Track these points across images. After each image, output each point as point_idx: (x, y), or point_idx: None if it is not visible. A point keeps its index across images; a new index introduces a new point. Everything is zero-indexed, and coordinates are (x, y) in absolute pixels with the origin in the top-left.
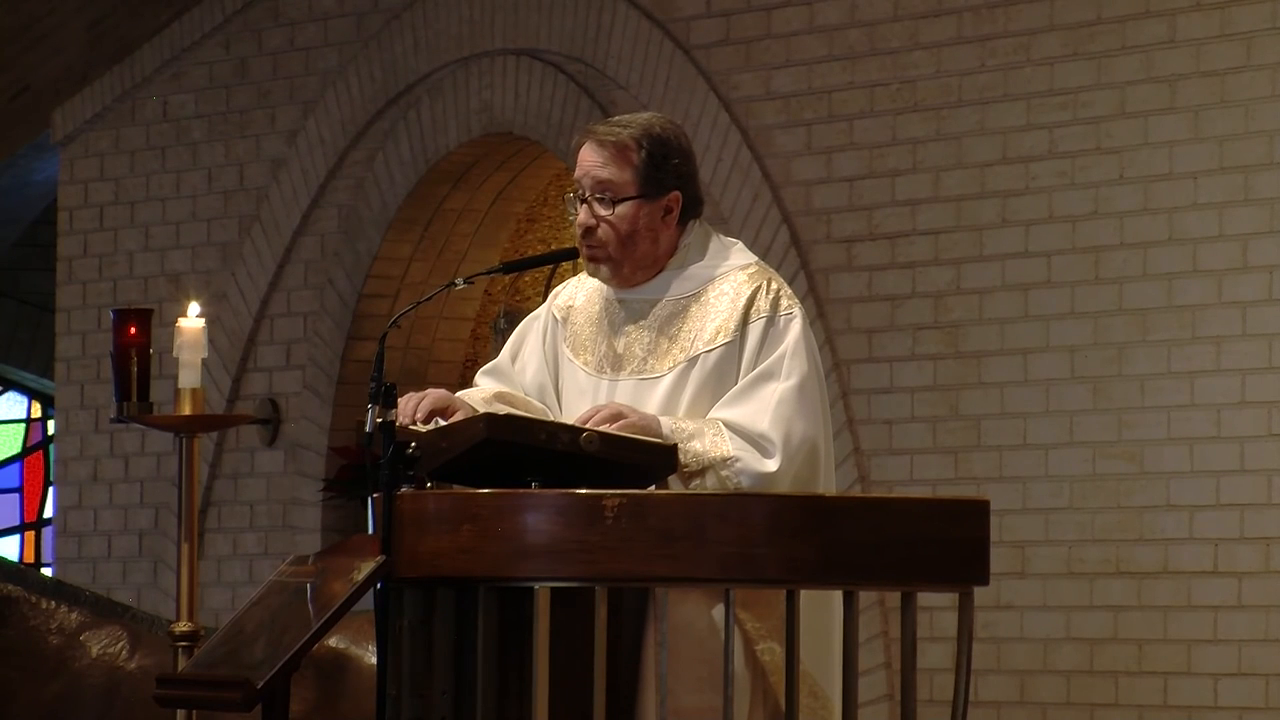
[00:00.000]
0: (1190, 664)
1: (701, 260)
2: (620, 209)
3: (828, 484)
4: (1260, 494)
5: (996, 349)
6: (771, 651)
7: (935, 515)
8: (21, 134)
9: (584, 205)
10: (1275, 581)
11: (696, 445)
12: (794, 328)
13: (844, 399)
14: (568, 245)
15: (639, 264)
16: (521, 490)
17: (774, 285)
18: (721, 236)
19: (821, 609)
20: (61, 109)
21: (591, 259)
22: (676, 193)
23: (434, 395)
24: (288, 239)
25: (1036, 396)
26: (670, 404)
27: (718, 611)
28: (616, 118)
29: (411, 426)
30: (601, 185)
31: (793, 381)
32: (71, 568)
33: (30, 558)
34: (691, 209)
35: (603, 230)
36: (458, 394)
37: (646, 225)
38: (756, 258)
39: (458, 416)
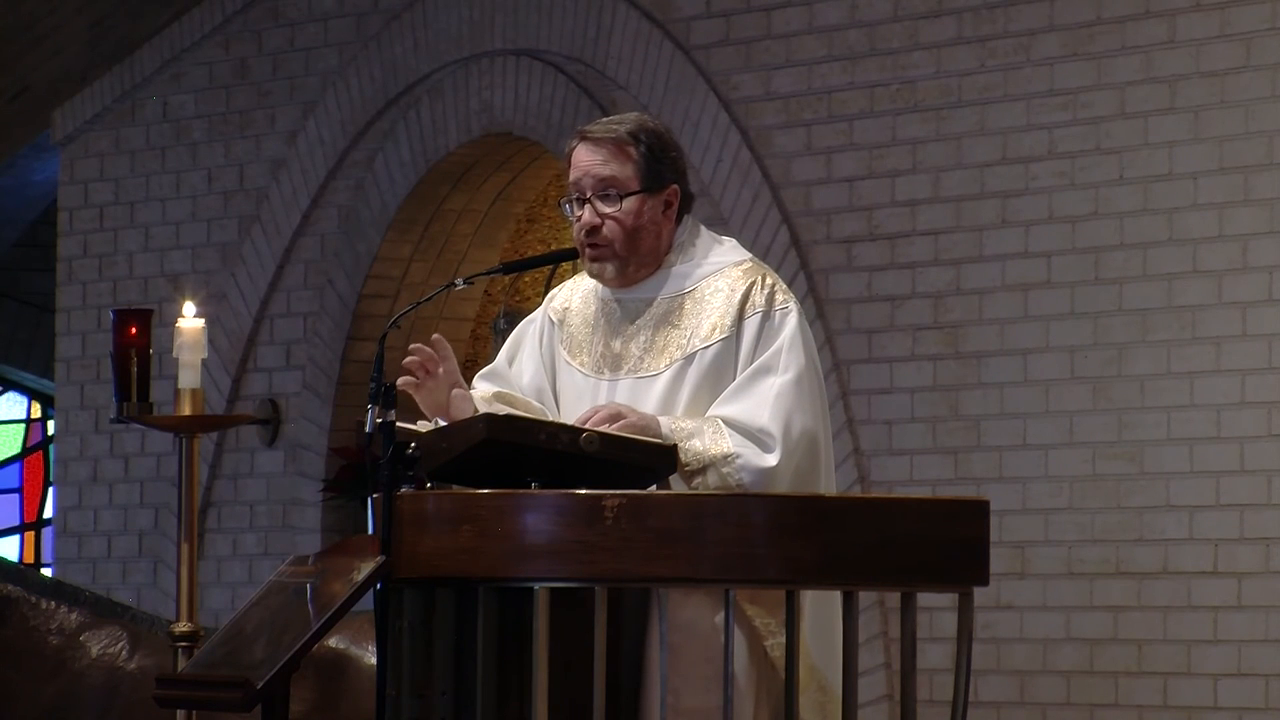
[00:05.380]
0: (1190, 664)
1: (695, 257)
2: (626, 203)
3: (828, 475)
4: (1260, 494)
5: (996, 349)
6: (781, 647)
7: (935, 515)
8: (21, 134)
9: (585, 206)
10: (1275, 581)
11: (696, 444)
12: (790, 322)
13: (844, 399)
14: (568, 245)
15: (643, 260)
16: (521, 490)
17: (768, 280)
18: (714, 233)
19: (830, 604)
20: (61, 109)
21: (596, 259)
22: (675, 186)
23: (444, 347)
24: (288, 239)
25: (1036, 396)
26: (668, 402)
27: (721, 611)
28: (605, 119)
29: (411, 427)
30: (605, 182)
31: (790, 375)
32: (71, 568)
33: (30, 558)
34: (685, 204)
35: (608, 228)
36: None
37: (650, 219)
38: (750, 254)
39: (456, 408)
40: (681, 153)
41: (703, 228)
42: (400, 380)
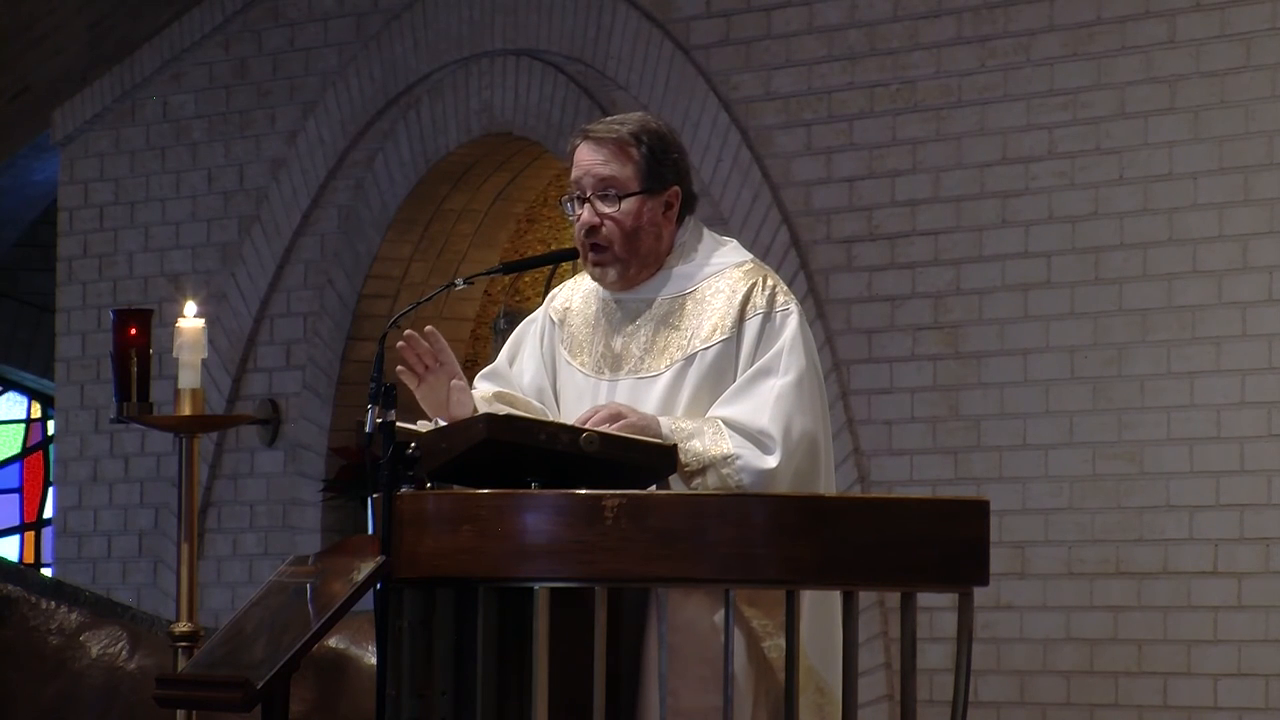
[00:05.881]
0: (1190, 664)
1: (697, 258)
2: (625, 204)
3: (828, 478)
4: (1260, 494)
5: (996, 349)
6: (778, 648)
7: (935, 515)
8: (21, 134)
9: (585, 205)
10: (1275, 581)
11: (696, 444)
12: (790, 323)
13: (844, 399)
14: (568, 245)
15: (643, 261)
16: (521, 490)
17: (769, 282)
18: (716, 234)
19: (828, 606)
20: (61, 109)
21: (597, 263)
22: (676, 187)
23: (438, 340)
24: (288, 239)
25: (1036, 396)
26: (668, 402)
27: (720, 611)
28: (609, 118)
29: (411, 427)
30: (604, 182)
31: (790, 377)
32: (71, 568)
33: (30, 558)
34: (688, 205)
35: (607, 228)
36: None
37: (650, 220)
38: (751, 255)
39: (455, 401)
40: (684, 153)
41: (705, 229)
42: (398, 368)
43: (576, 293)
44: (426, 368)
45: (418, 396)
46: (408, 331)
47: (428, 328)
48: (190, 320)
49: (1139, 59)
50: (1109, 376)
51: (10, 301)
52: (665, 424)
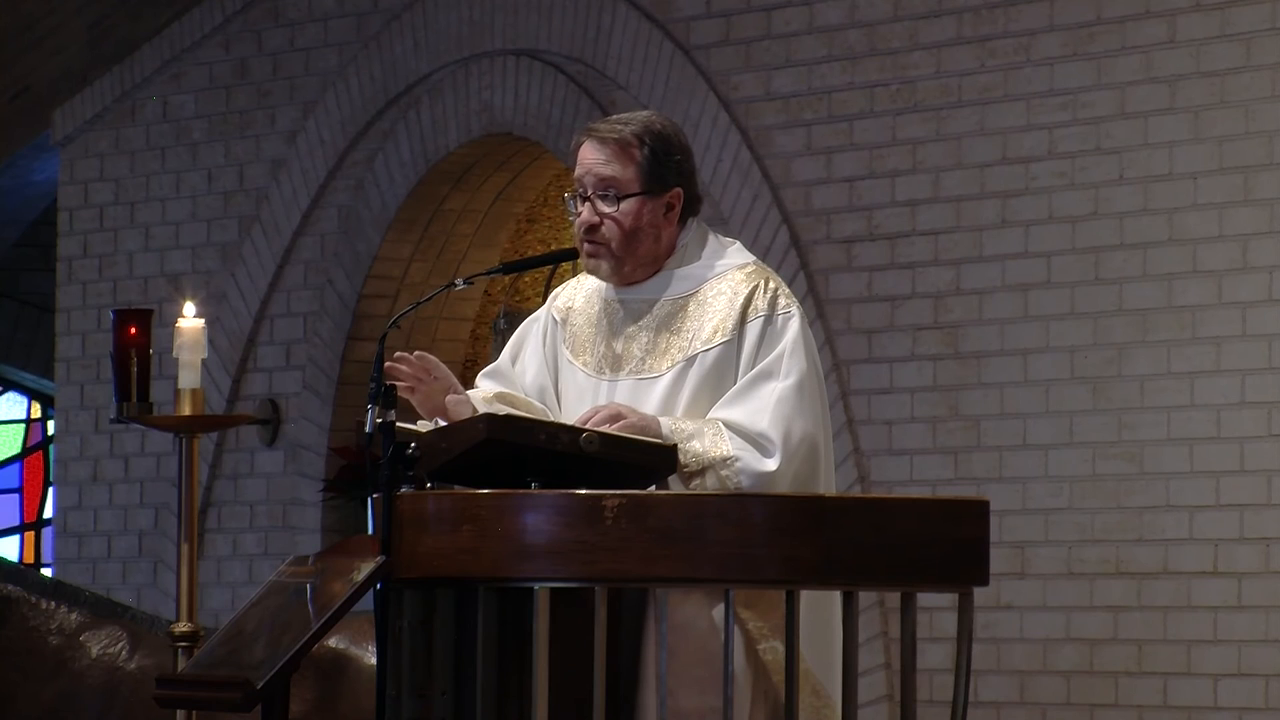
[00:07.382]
0: (1190, 664)
1: (699, 259)
2: (625, 205)
3: (828, 482)
4: (1260, 494)
5: (996, 349)
6: (774, 651)
7: (935, 515)
8: (21, 134)
9: (586, 203)
10: (1275, 581)
11: (696, 445)
12: (792, 326)
13: (844, 399)
14: (568, 245)
15: (640, 262)
16: (521, 490)
17: (771, 284)
18: (719, 236)
19: (824, 608)
20: (61, 109)
21: (592, 255)
22: (678, 189)
23: (427, 359)
24: (288, 239)
25: (1036, 396)
26: (669, 403)
27: (718, 612)
28: (615, 116)
29: (411, 427)
30: (605, 182)
31: (791, 380)
32: (71, 568)
33: (30, 558)
34: (690, 207)
35: (606, 228)
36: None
37: (650, 222)
38: (754, 257)
39: (454, 413)
40: (689, 155)
41: (708, 230)
42: (387, 382)
43: (579, 292)
44: (419, 380)
45: (414, 404)
46: (398, 354)
47: (416, 352)
48: (190, 320)
49: (1139, 59)
50: (1109, 376)
51: (10, 301)
52: (665, 424)
